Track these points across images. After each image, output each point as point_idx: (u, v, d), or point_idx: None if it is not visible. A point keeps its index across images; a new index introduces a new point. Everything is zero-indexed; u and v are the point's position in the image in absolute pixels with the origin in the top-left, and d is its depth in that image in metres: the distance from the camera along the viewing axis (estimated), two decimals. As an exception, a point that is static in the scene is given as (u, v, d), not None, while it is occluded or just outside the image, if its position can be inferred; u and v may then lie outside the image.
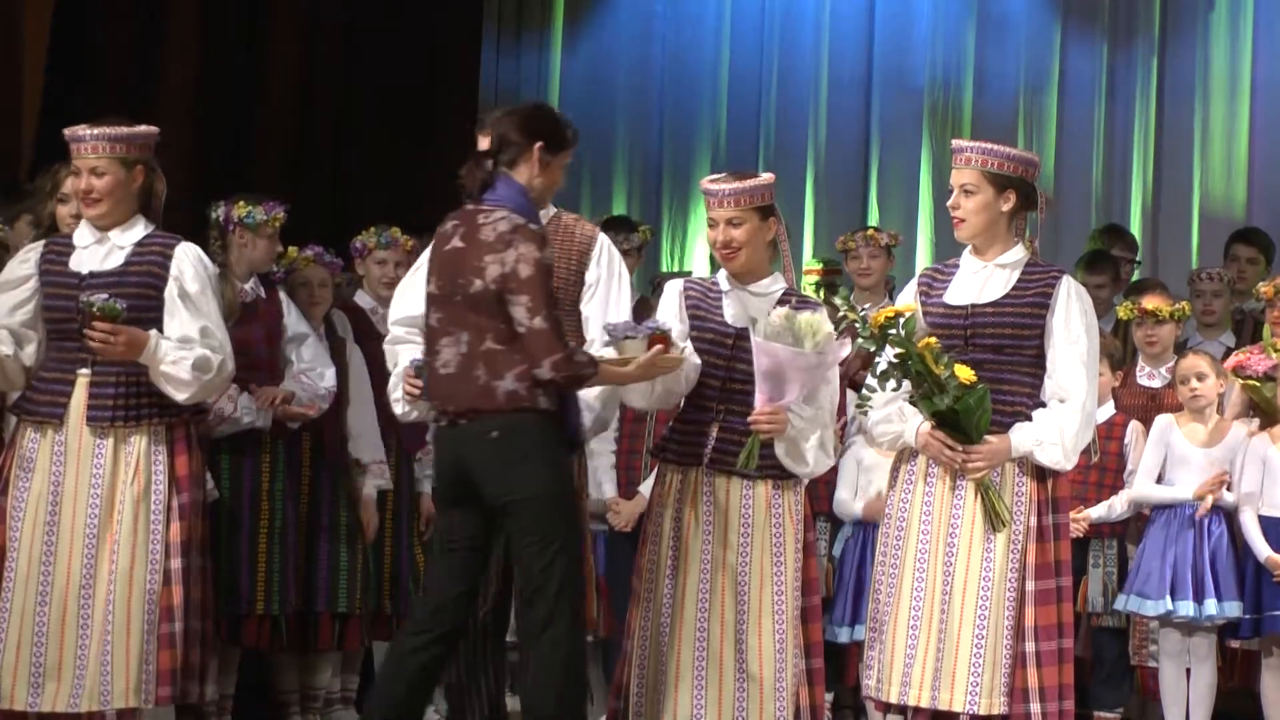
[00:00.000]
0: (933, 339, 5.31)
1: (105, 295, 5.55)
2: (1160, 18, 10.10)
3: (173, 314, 5.72)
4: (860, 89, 10.50)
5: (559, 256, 5.60)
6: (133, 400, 5.69)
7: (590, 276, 5.65)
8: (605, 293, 5.65)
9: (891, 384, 5.33)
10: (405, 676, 5.19)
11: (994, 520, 5.34)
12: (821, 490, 7.10)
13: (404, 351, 5.66)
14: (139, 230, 5.81)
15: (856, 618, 6.91)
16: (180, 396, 5.71)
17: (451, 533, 5.26)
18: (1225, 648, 6.86)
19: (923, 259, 9.95)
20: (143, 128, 5.87)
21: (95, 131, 5.75)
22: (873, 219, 10.09)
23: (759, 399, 5.40)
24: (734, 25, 10.78)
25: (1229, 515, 6.75)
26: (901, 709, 5.46)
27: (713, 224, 5.58)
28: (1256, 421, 6.84)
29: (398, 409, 5.67)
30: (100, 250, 5.77)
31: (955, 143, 5.61)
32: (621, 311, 5.63)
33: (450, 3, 10.47)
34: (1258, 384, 6.71)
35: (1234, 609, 6.61)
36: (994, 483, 5.37)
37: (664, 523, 5.54)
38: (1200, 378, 6.76)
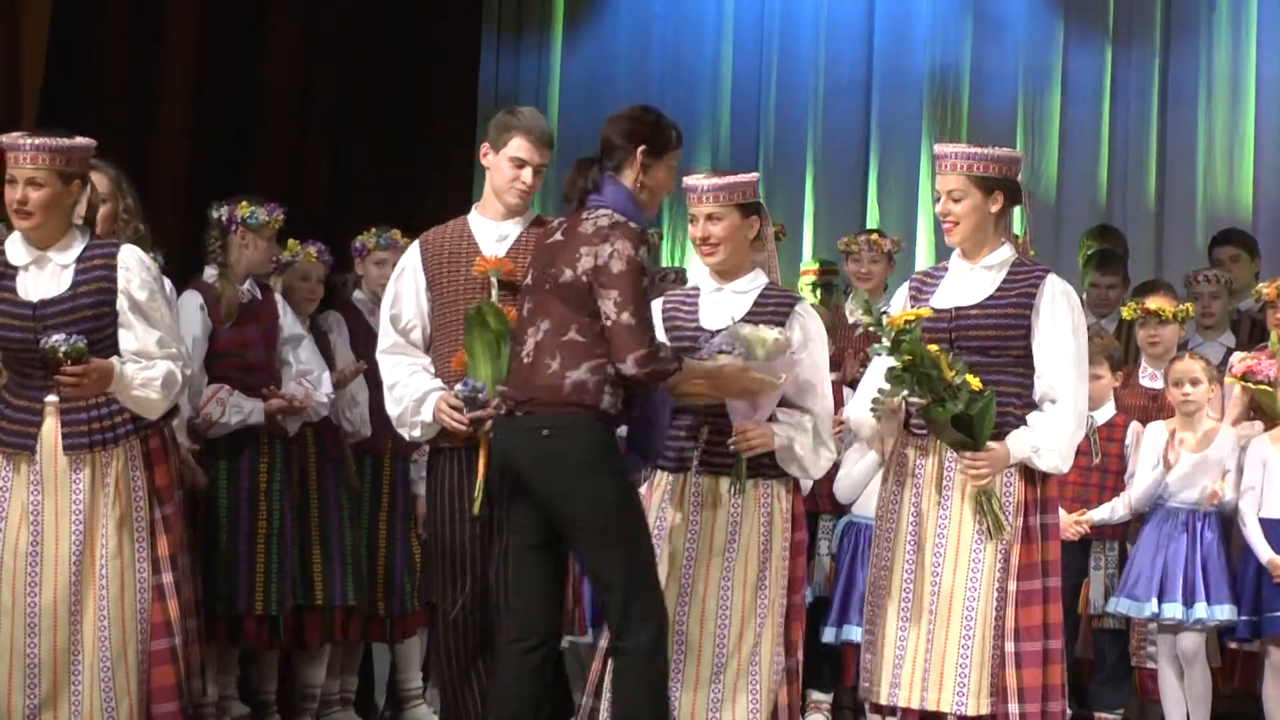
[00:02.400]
0: (933, 346, 5.30)
1: (64, 335, 5.41)
2: (1162, 19, 10.09)
3: (127, 327, 5.57)
4: (860, 90, 10.49)
5: None
6: (107, 422, 5.55)
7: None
8: None
9: (904, 390, 5.31)
10: (518, 684, 5.16)
11: (992, 527, 5.33)
12: (824, 489, 7.10)
13: (400, 365, 5.66)
14: (78, 245, 5.59)
15: (844, 618, 6.93)
16: (152, 416, 5.64)
17: (514, 530, 5.22)
18: (1225, 649, 6.86)
19: (922, 260, 9.94)
20: (82, 140, 5.64)
21: (36, 141, 5.52)
22: (872, 220, 10.09)
23: (735, 419, 5.41)
24: (734, 26, 10.77)
25: (1223, 518, 6.75)
26: (893, 710, 5.46)
27: (693, 220, 5.61)
28: (1258, 424, 6.85)
29: (415, 433, 5.63)
30: (42, 273, 5.56)
31: (938, 148, 5.57)
32: None
33: (450, 4, 10.46)
34: (1269, 389, 6.70)
35: (1225, 612, 6.61)
36: (1005, 499, 5.36)
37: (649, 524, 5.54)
38: (1194, 382, 6.77)
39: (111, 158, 6.08)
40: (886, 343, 5.29)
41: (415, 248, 5.76)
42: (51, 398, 5.54)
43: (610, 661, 5.22)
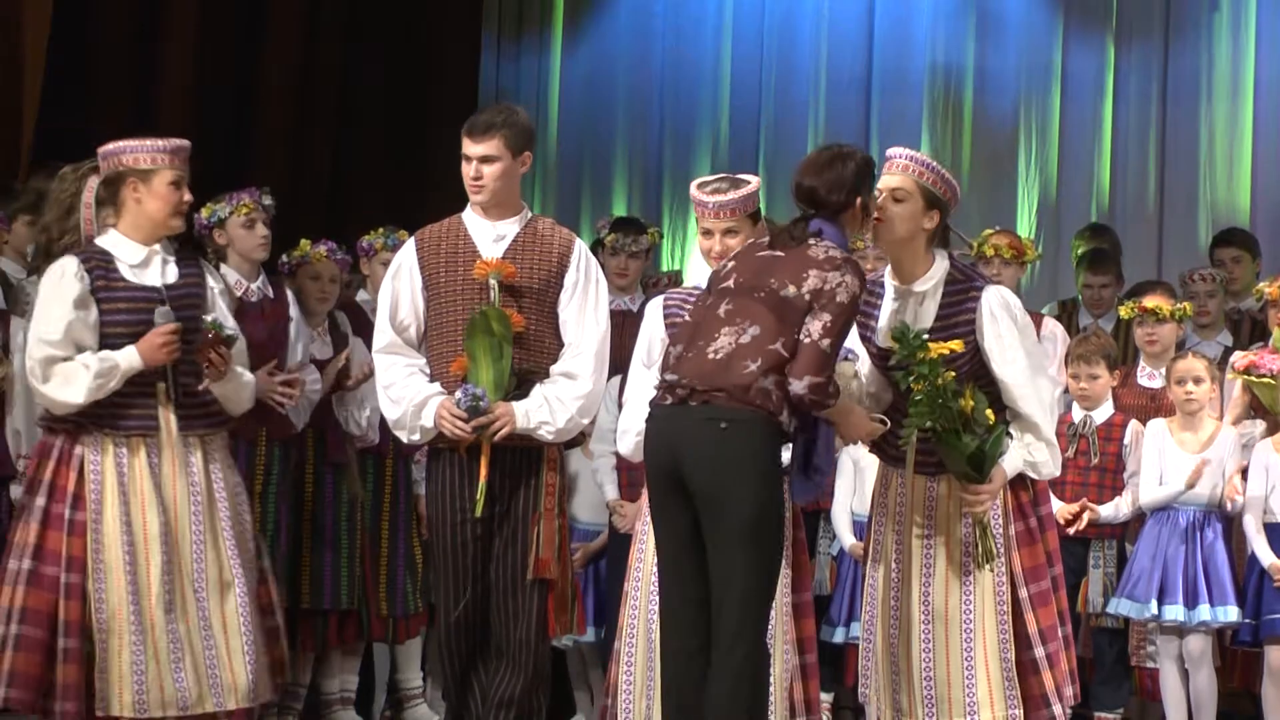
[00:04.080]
0: (951, 373, 5.22)
1: (219, 319, 5.67)
2: (1163, 17, 10.09)
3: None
4: (860, 89, 10.49)
5: (537, 261, 5.63)
6: (208, 409, 5.79)
7: (568, 280, 5.67)
8: (583, 297, 5.68)
9: (926, 421, 5.22)
10: (696, 694, 5.06)
11: (983, 558, 5.33)
12: (827, 488, 7.11)
13: (397, 365, 5.66)
14: (170, 245, 5.85)
15: (853, 617, 6.92)
16: (237, 411, 5.88)
17: (665, 532, 5.12)
18: (1225, 649, 6.86)
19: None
20: None
21: (185, 143, 5.81)
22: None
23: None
24: (734, 26, 10.77)
25: (1225, 520, 6.75)
26: None
27: (707, 233, 5.59)
28: (1260, 424, 6.85)
29: (415, 437, 5.65)
30: (148, 269, 5.76)
31: (890, 150, 5.48)
32: (599, 316, 5.64)
33: (450, 4, 10.47)
34: (1271, 383, 6.66)
35: (1228, 614, 6.61)
36: (994, 519, 5.37)
37: (642, 528, 5.53)
38: (1197, 381, 6.77)
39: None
40: (914, 372, 5.21)
41: (410, 246, 5.76)
42: (161, 382, 5.71)
43: (712, 676, 5.05)
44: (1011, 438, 5.38)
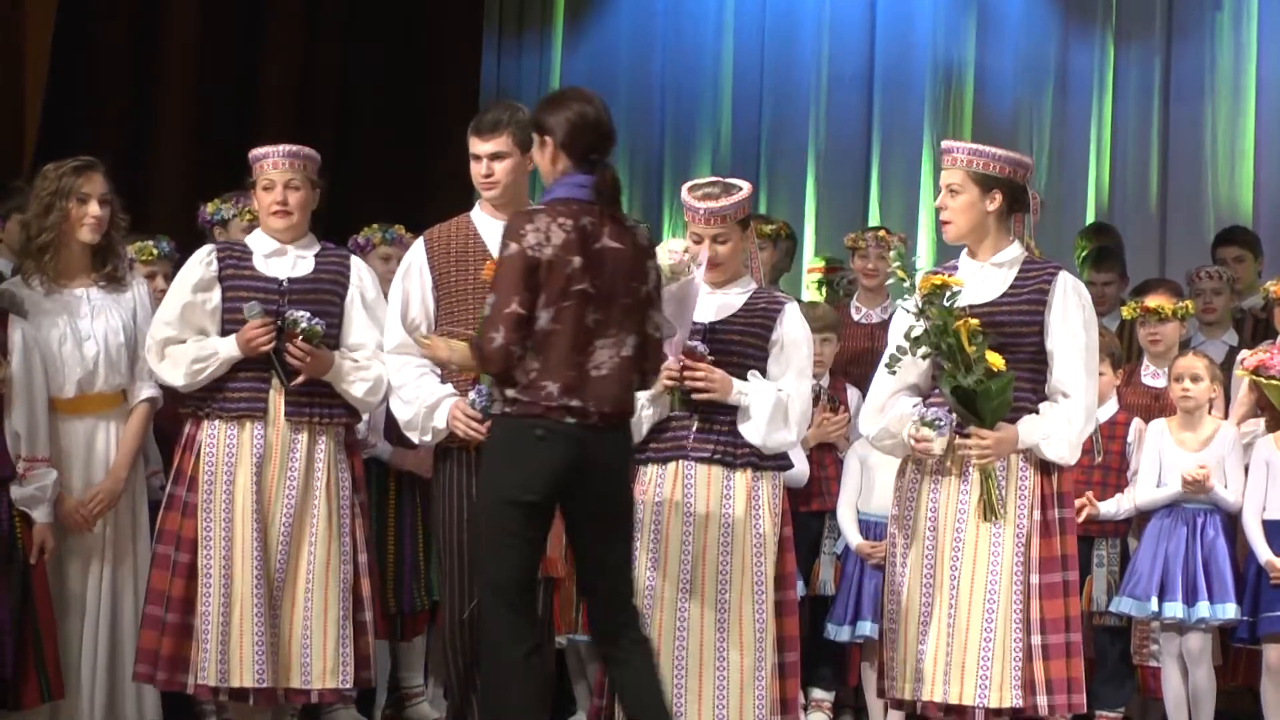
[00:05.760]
0: (974, 320, 5.32)
1: (308, 314, 5.82)
2: (1164, 16, 10.09)
3: (352, 321, 6.00)
4: (861, 87, 10.49)
5: None
6: (322, 400, 5.94)
7: None
8: None
9: (923, 350, 5.33)
10: (541, 691, 5.17)
11: (987, 510, 5.34)
12: (832, 487, 7.11)
13: (408, 366, 5.67)
14: (315, 244, 6.06)
15: (858, 616, 6.91)
16: (352, 400, 6.00)
17: (530, 541, 5.07)
18: (1228, 647, 6.86)
19: (924, 258, 9.93)
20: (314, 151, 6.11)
21: (290, 149, 6.00)
22: (873, 218, 10.08)
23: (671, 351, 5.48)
24: (735, 24, 10.77)
25: (1226, 517, 6.75)
26: (914, 704, 5.48)
27: (697, 239, 5.62)
28: (1262, 422, 6.84)
29: (425, 438, 5.66)
30: (283, 260, 6.00)
31: (945, 143, 5.62)
32: None
33: (450, 3, 10.47)
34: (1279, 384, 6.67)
35: (1228, 611, 6.60)
36: (998, 473, 5.36)
37: (644, 518, 5.55)
38: (1195, 379, 6.77)
39: (113, 155, 6.13)
40: (915, 303, 5.33)
41: (420, 245, 5.78)
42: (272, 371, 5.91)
43: (633, 654, 5.11)
44: (1037, 411, 5.41)
